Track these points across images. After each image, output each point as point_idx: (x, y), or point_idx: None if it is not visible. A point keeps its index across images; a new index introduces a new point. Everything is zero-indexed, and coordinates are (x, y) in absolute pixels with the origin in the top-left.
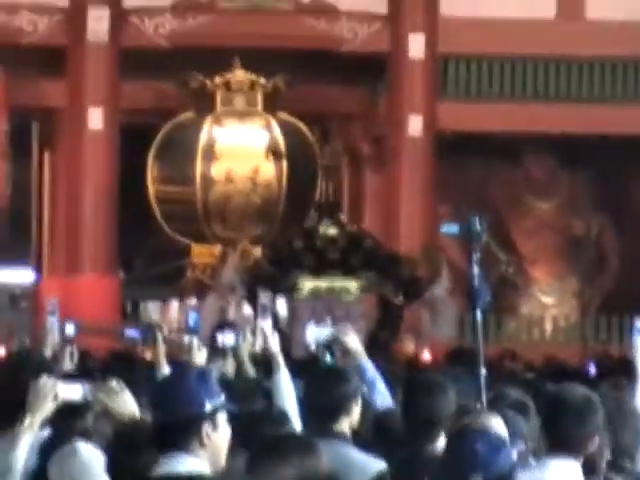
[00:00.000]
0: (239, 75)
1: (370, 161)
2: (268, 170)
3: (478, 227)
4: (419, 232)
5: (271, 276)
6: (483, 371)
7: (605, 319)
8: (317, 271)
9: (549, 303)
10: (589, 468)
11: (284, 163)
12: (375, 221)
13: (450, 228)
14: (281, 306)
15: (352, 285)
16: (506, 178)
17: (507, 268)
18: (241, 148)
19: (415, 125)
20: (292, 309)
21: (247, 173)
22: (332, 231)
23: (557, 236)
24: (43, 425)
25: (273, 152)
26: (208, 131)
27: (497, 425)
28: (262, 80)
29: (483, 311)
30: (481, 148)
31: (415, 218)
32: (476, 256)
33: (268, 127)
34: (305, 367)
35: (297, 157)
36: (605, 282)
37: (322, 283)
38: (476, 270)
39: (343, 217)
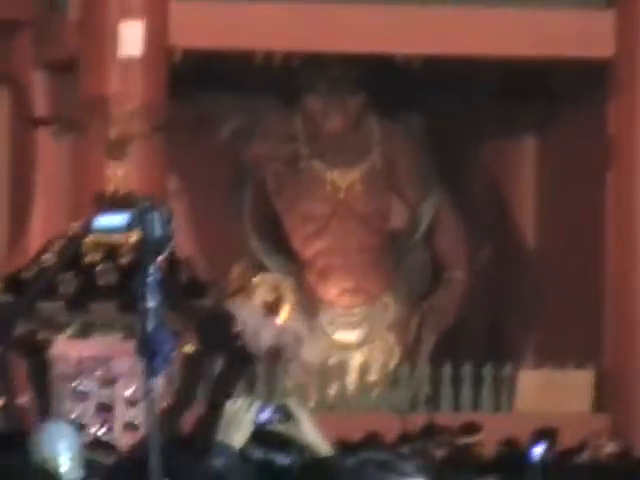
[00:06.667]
0: None
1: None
2: None
3: (158, 224)
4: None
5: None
6: None
7: (449, 367)
8: (79, 304)
9: (351, 343)
10: None
11: None
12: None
13: (110, 220)
14: None
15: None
16: (271, 129)
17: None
18: None
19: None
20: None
21: None
22: (114, 239)
23: (362, 229)
24: None
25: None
26: None
27: None
28: None
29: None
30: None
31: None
32: (152, 273)
33: None
34: None
35: None
36: (443, 306)
37: (89, 322)
38: (151, 302)
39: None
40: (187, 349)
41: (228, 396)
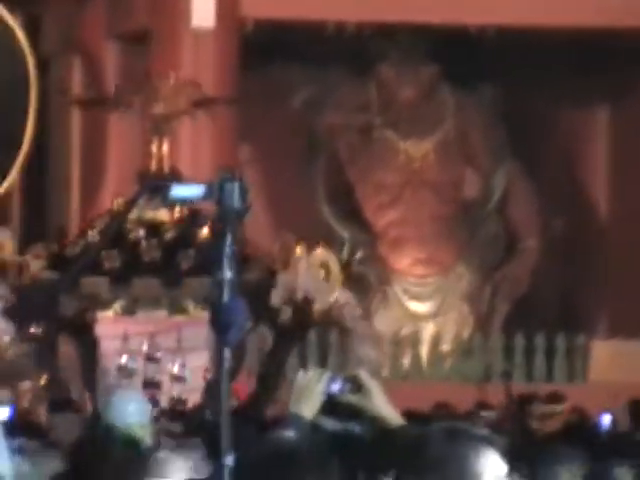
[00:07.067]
0: None
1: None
2: None
3: (237, 195)
4: None
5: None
6: None
7: (522, 337)
8: (124, 280)
9: (424, 313)
10: None
11: None
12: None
13: (187, 190)
14: None
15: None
16: (343, 99)
17: (348, 255)
18: None
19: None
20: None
21: None
22: (158, 215)
23: (435, 199)
24: None
25: None
26: None
27: None
28: None
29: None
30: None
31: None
32: (229, 248)
33: None
34: None
35: None
36: (516, 276)
37: (134, 298)
38: (228, 273)
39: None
40: None
41: (279, 370)
